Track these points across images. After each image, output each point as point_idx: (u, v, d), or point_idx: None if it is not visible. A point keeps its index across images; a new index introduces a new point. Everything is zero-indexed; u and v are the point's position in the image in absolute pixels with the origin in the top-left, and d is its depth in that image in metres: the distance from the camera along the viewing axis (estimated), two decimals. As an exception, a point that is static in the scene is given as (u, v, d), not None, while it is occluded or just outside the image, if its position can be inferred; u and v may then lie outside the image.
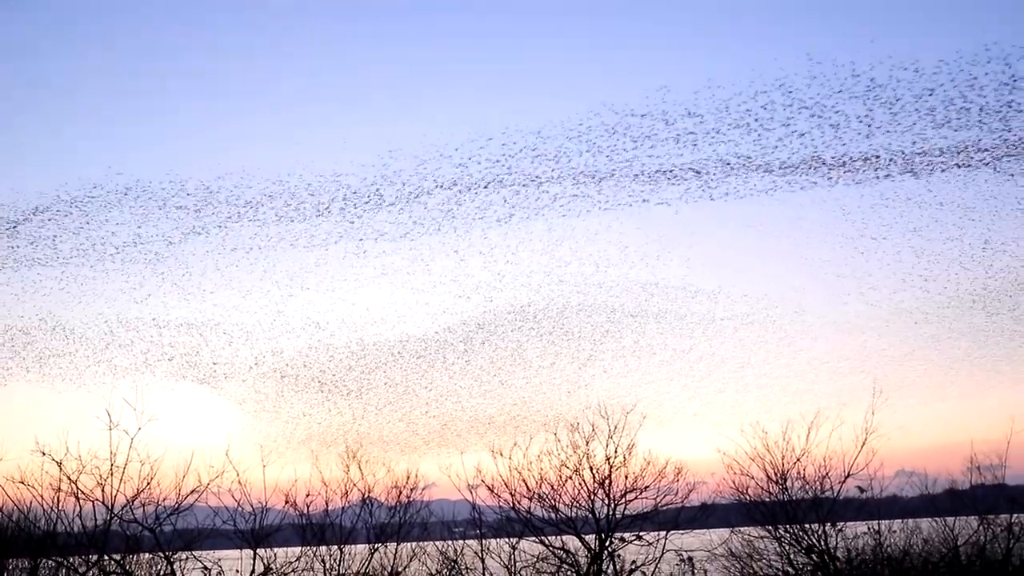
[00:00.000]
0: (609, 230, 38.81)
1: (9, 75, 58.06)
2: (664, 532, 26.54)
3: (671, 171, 34.98)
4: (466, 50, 59.24)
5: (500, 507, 27.32)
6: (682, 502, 26.88)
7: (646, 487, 26.69)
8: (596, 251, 40.51)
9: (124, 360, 40.64)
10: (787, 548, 26.27)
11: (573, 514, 26.82)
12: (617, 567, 26.48)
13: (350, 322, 43.28)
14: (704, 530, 27.49)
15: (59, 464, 23.64)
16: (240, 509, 24.82)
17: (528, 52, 58.38)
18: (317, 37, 58.91)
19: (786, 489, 26.50)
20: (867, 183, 34.57)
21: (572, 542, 26.73)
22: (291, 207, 38.72)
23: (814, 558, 25.94)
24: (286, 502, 25.46)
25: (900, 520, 27.54)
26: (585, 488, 26.80)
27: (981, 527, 26.37)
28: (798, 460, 26.42)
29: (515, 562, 26.48)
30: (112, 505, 24.04)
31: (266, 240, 39.12)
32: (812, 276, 43.73)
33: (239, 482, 24.64)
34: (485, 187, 37.25)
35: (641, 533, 26.77)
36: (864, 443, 26.02)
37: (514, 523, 26.91)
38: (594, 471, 26.83)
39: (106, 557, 24.29)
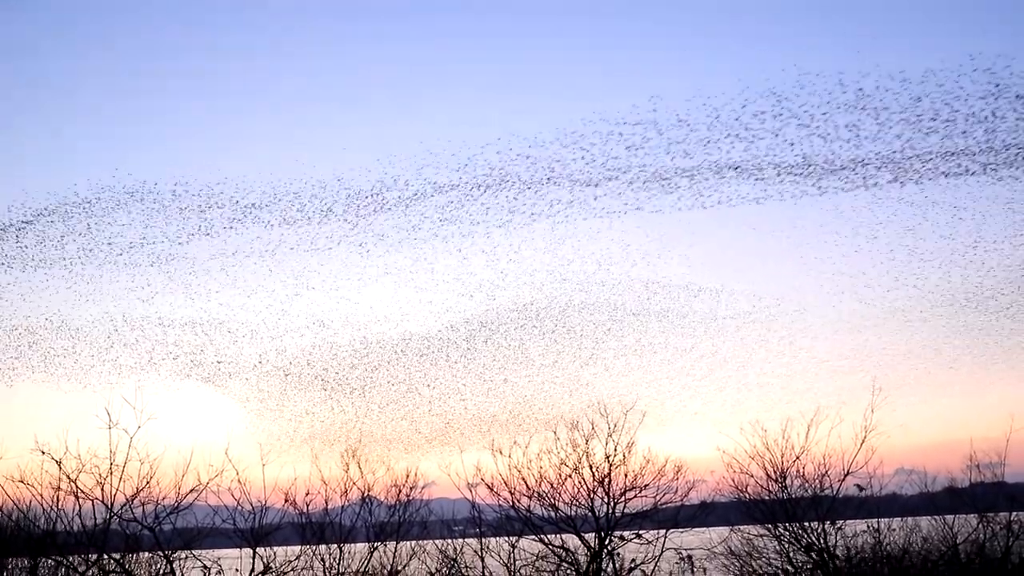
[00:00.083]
0: (611, 229, 38.91)
1: (9, 75, 58.15)
2: (663, 530, 26.54)
3: (666, 178, 35.23)
4: (466, 50, 59.32)
5: (500, 506, 27.39)
6: (681, 500, 26.95)
7: (645, 485, 26.73)
8: (598, 250, 40.59)
9: (128, 359, 40.80)
10: (786, 546, 26.27)
11: (573, 512, 26.83)
12: (616, 565, 26.49)
13: (354, 320, 43.42)
14: (703, 528, 27.47)
15: (59, 463, 23.71)
16: (240, 508, 24.86)
17: (529, 52, 58.51)
18: (317, 37, 59.01)
19: (785, 487, 26.50)
20: (855, 191, 34.99)
21: (572, 540, 26.73)
22: (294, 209, 38.96)
23: (813, 556, 25.94)
24: (286, 501, 25.51)
25: (899, 518, 27.54)
26: (585, 486, 26.84)
27: (980, 525, 26.36)
28: (797, 458, 26.44)
29: (515, 561, 26.50)
30: (112, 504, 24.09)
31: (269, 243, 39.36)
32: (812, 275, 43.67)
33: (239, 481, 24.70)
34: (484, 192, 37.45)
35: (640, 531, 26.76)
36: (863, 441, 26.07)
37: (513, 521, 26.94)
38: (594, 469, 26.85)
39: (106, 556, 24.32)
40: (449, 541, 27.06)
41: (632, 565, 26.45)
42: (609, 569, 26.39)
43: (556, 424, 27.76)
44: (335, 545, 25.46)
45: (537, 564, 26.59)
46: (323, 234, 39.12)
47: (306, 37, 59.13)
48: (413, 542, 26.40)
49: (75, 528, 24.19)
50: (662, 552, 26.50)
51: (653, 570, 26.46)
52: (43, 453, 23.66)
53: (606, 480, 26.67)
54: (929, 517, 27.17)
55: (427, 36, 59.55)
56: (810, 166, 34.19)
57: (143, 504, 24.25)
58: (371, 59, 59.03)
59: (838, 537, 26.25)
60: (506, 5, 60.21)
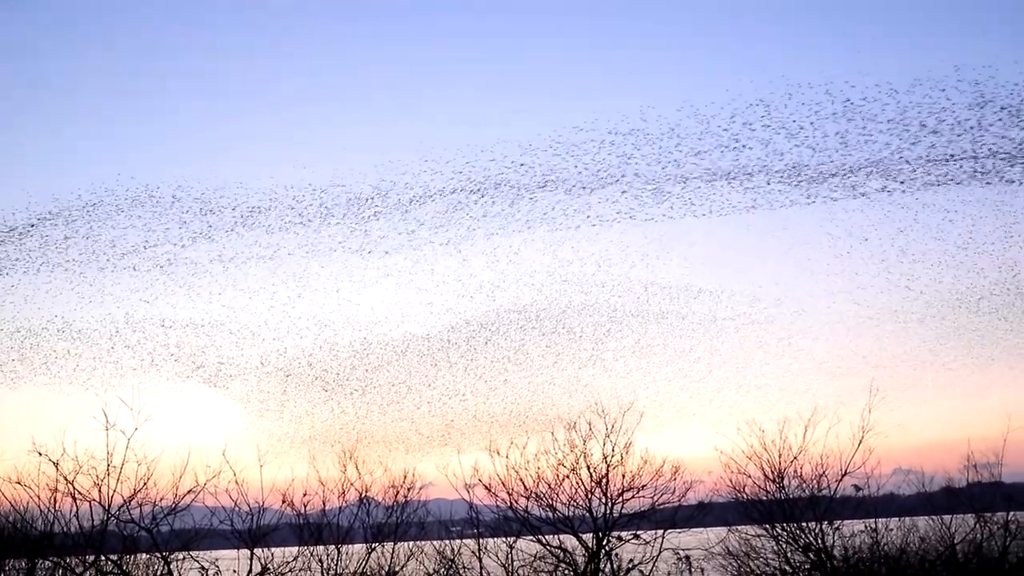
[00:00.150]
0: (610, 230, 39.05)
1: (9, 75, 58.22)
2: (661, 531, 26.52)
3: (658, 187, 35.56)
4: (466, 50, 59.38)
5: (497, 506, 27.42)
6: (679, 501, 26.94)
7: (643, 486, 26.71)
8: (598, 251, 40.71)
9: (130, 361, 41.01)
10: (784, 546, 26.27)
11: (570, 513, 26.82)
12: (614, 566, 26.47)
13: (354, 321, 43.61)
14: (701, 529, 27.46)
15: (56, 464, 23.71)
16: (237, 509, 24.87)
17: (530, 53, 58.63)
18: (317, 37, 59.07)
19: (783, 488, 26.51)
20: (844, 200, 35.33)
21: (569, 541, 26.71)
22: (295, 212, 39.14)
23: (811, 556, 25.95)
24: (283, 502, 25.53)
25: (897, 518, 27.56)
26: (582, 487, 26.84)
27: (978, 525, 26.38)
28: (795, 459, 26.45)
29: (512, 561, 26.48)
30: (109, 505, 24.10)
31: (270, 246, 39.58)
32: (810, 277, 43.79)
33: (236, 482, 24.71)
34: (483, 196, 37.57)
35: (638, 532, 26.74)
36: (861, 441, 26.07)
37: (511, 522, 26.93)
38: (591, 470, 26.85)
39: (103, 557, 24.32)
40: (447, 542, 27.05)
41: (630, 565, 26.42)
42: (607, 569, 26.38)
43: (555, 425, 27.82)
44: (333, 546, 25.45)
45: (535, 565, 26.56)
46: (324, 236, 39.34)
47: (306, 37, 59.22)
48: (411, 543, 26.40)
49: (72, 529, 24.20)
50: (660, 552, 26.48)
51: (651, 570, 26.43)
52: (40, 454, 23.69)
53: (604, 481, 26.67)
54: (926, 517, 27.19)
55: (427, 36, 59.64)
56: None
57: (140, 505, 24.30)
58: (371, 59, 59.10)
59: (836, 537, 26.26)
60: (506, 5, 60.28)
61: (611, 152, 36.45)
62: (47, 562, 24.65)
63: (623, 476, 26.69)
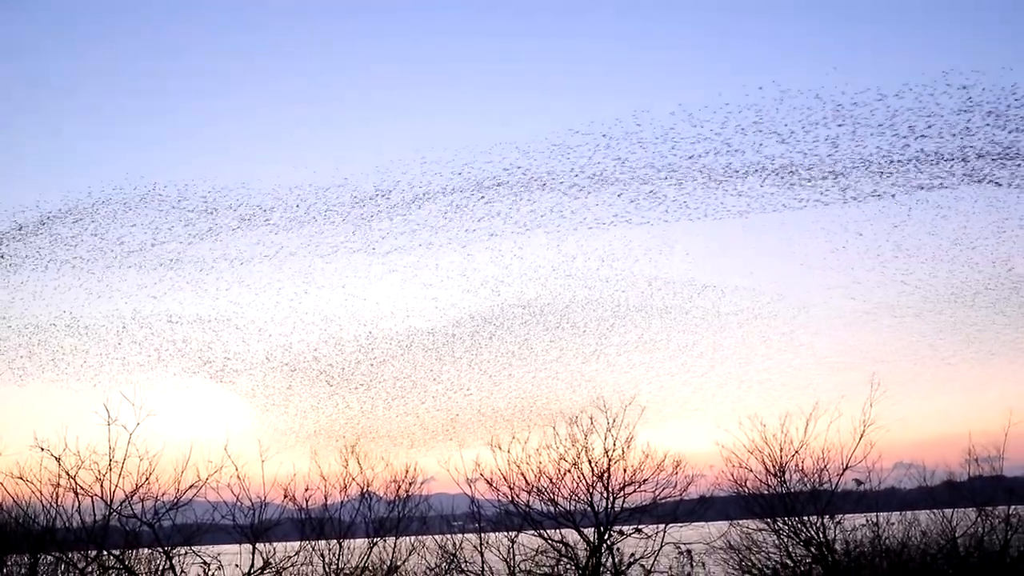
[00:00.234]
0: (615, 226, 39.10)
1: (9, 75, 58.28)
2: (663, 525, 26.58)
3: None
4: (466, 50, 59.42)
5: (499, 501, 27.41)
6: (681, 495, 26.96)
7: (645, 480, 26.75)
8: (602, 246, 40.71)
9: (137, 357, 41.19)
10: (785, 540, 26.30)
11: (572, 507, 26.86)
12: (616, 560, 26.50)
13: (360, 317, 43.61)
14: (703, 523, 27.52)
15: (58, 460, 23.66)
16: (239, 504, 24.81)
17: (531, 53, 58.70)
18: (317, 37, 59.11)
19: (784, 482, 26.56)
20: (836, 204, 35.52)
21: (571, 535, 26.76)
22: (300, 211, 39.32)
23: (812, 550, 25.98)
24: (285, 496, 25.48)
25: (898, 512, 27.61)
26: (584, 481, 26.88)
27: (979, 519, 26.41)
28: (796, 453, 26.51)
29: (514, 555, 26.49)
30: (111, 500, 24.07)
31: (274, 245, 39.80)
32: (812, 272, 43.77)
33: (238, 477, 24.65)
34: (484, 195, 37.70)
35: (640, 526, 26.78)
36: (862, 435, 26.13)
37: (513, 517, 26.97)
38: (593, 464, 26.88)
39: (105, 552, 24.34)
40: (448, 536, 27.03)
41: (631, 559, 26.48)
42: (608, 563, 26.41)
43: (557, 419, 27.83)
44: (335, 541, 25.45)
45: (536, 559, 26.60)
46: (328, 234, 39.50)
47: (306, 37, 59.26)
48: (412, 537, 26.39)
49: (75, 524, 24.18)
50: (661, 546, 26.52)
51: (652, 564, 26.47)
52: (42, 450, 23.64)
53: (605, 475, 26.70)
54: (928, 511, 27.23)
55: (427, 36, 59.67)
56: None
57: (142, 500, 24.25)
58: (371, 59, 59.15)
59: (837, 531, 26.32)
60: (506, 6, 60.33)
61: (606, 155, 36.62)
62: (49, 557, 24.68)
63: (625, 470, 26.79)
